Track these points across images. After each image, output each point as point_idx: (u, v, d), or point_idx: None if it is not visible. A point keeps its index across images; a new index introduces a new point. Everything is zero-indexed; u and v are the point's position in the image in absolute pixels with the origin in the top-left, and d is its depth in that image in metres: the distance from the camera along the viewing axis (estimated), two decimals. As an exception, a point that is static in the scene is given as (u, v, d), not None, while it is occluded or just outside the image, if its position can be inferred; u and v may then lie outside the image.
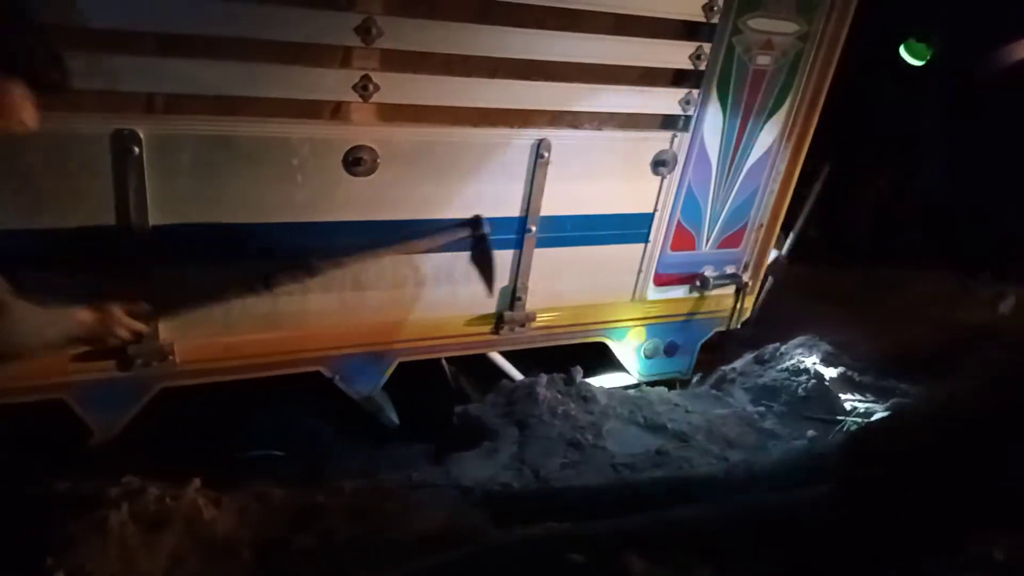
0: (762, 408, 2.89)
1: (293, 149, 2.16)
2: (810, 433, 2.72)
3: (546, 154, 2.48)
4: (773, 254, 3.38)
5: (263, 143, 2.13)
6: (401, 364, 2.64)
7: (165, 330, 2.24)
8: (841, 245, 4.68)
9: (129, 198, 2.03)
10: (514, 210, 2.56)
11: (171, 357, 2.27)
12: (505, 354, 2.96)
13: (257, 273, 2.18)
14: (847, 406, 2.92)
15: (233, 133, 2.10)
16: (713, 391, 3.08)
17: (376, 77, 2.13)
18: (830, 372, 3.12)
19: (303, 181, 2.19)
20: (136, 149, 1.99)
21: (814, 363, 3.17)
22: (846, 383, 3.10)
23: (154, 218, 2.10)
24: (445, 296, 2.59)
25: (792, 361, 3.27)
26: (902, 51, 3.60)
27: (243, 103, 2.07)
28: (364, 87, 2.13)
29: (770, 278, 3.54)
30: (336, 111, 2.16)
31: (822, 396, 2.96)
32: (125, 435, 2.32)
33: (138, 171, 2.01)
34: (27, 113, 1.51)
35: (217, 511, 2.02)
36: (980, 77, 3.33)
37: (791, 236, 3.57)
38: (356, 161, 2.21)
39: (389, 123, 2.23)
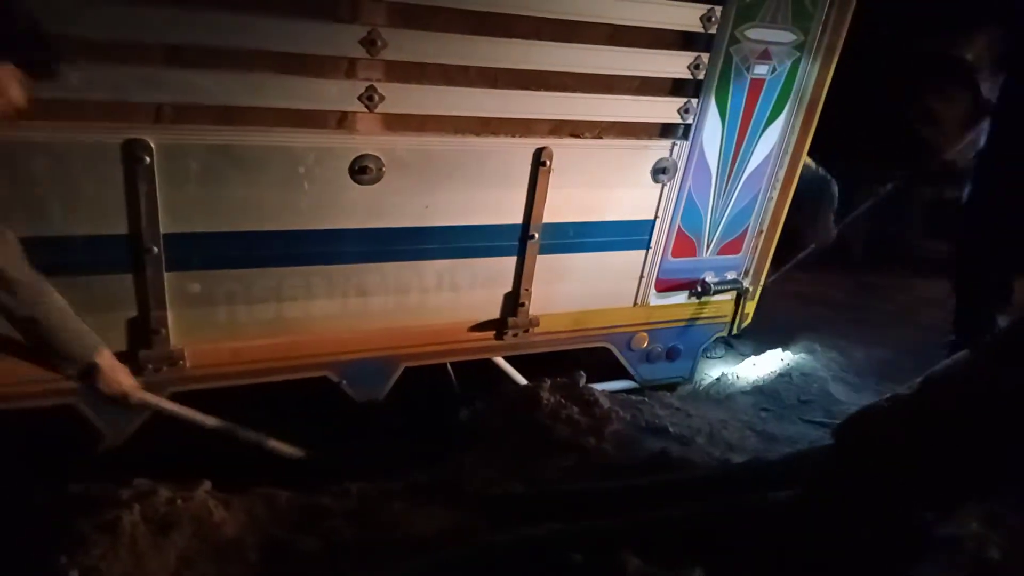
0: (763, 412, 2.91)
1: (300, 158, 2.21)
2: (811, 437, 2.75)
3: (547, 162, 2.52)
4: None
5: (271, 152, 2.18)
6: (407, 368, 2.68)
7: (175, 336, 2.29)
8: (837, 251, 4.72)
9: (141, 207, 2.09)
10: (516, 217, 2.60)
11: (182, 362, 2.32)
12: (509, 359, 3.01)
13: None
14: (846, 409, 2.94)
15: (242, 142, 2.15)
16: (715, 395, 3.11)
17: (381, 87, 2.18)
18: (829, 376, 3.15)
19: (310, 189, 2.24)
20: (147, 159, 2.04)
21: (814, 367, 3.20)
22: (845, 386, 3.13)
23: (165, 226, 2.15)
24: (449, 302, 2.64)
25: (792, 366, 3.30)
26: None
27: (252, 113, 2.13)
28: (369, 97, 2.18)
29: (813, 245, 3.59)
30: (342, 121, 2.21)
31: (822, 400, 2.99)
32: (135, 438, 2.36)
33: (149, 180, 2.07)
34: (15, 92, 1.58)
35: (226, 513, 2.06)
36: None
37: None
38: (362, 169, 2.26)
39: (394, 132, 2.28)
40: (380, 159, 2.28)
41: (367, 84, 2.17)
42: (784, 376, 3.21)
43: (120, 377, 2.06)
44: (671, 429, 2.63)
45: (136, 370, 2.25)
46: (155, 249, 2.16)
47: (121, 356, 2.22)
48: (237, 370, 2.40)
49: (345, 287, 2.44)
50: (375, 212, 2.35)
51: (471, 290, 2.66)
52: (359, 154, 2.25)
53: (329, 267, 2.39)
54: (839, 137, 3.89)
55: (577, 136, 2.56)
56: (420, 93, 2.25)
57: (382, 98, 2.19)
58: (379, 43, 2.12)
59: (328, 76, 2.14)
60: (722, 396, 3.14)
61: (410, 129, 2.30)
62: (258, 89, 2.10)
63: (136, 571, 1.74)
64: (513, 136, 2.46)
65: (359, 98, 2.18)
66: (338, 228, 2.33)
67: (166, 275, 2.21)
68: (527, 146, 2.49)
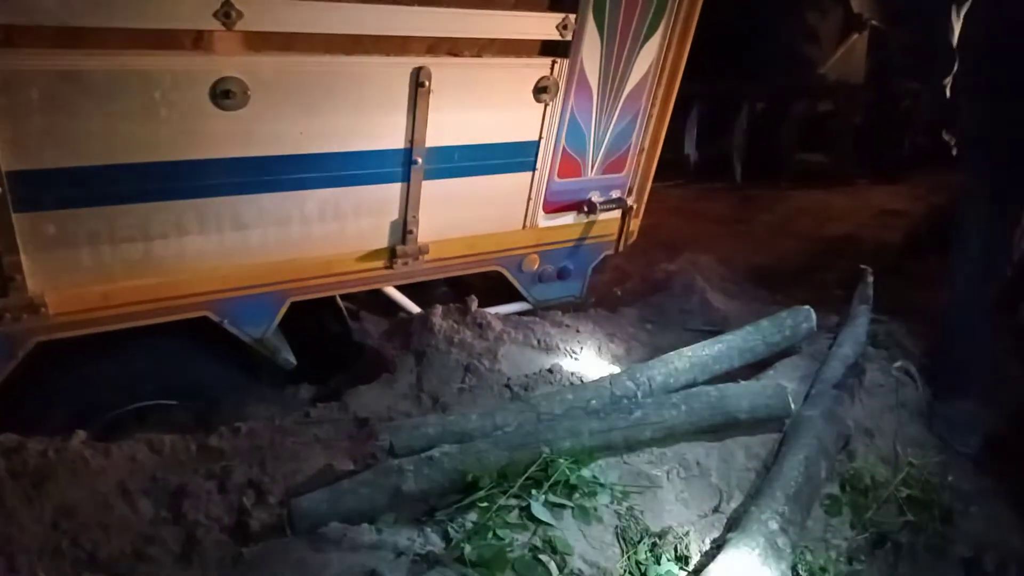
0: (648, 325, 3.04)
1: (154, 82, 2.04)
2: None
3: (426, 82, 2.44)
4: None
5: (122, 76, 2.00)
6: (295, 304, 2.61)
7: (34, 281, 2.13)
8: (720, 168, 4.90)
9: (-27, 142, 1.89)
10: (398, 142, 2.53)
11: (43, 309, 2.16)
12: (403, 289, 2.98)
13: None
14: (724, 316, 3.12)
15: (89, 67, 1.96)
16: (604, 312, 3.21)
17: (238, 3, 2.02)
18: (709, 287, 3.30)
19: (167, 117, 2.08)
20: (-24, 87, 1.84)
21: (696, 279, 3.34)
22: (724, 295, 3.30)
23: (7, 163, 1.96)
24: (333, 232, 2.56)
25: (677, 279, 3.44)
26: None
27: (97, 34, 1.93)
28: (226, 14, 2.02)
29: None
30: (198, 40, 2.05)
31: (702, 309, 3.14)
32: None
33: (-19, 111, 1.87)
34: None
35: (106, 460, 1.99)
36: None
37: None
38: (224, 93, 2.11)
39: (257, 52, 2.13)
40: (244, 82, 2.13)
41: (222, 0, 2.02)
42: (669, 290, 3.34)
43: None
44: (561, 346, 2.71)
45: (-9, 320, 2.09)
46: (-2, 189, 1.97)
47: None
48: (107, 315, 2.26)
49: (219, 221, 2.31)
50: (244, 140, 2.22)
51: (356, 219, 2.59)
52: (219, 77, 2.10)
53: (199, 200, 2.25)
54: (717, 55, 3.98)
55: (456, 55, 2.49)
56: (282, 8, 2.10)
57: (240, 15, 2.03)
58: (233, -47, 1.97)
59: (177, -9, 1.97)
60: (611, 312, 3.23)
61: (274, 48, 2.15)
62: (102, 8, 1.90)
63: (7, 527, 1.66)
64: (388, 55, 2.36)
65: (215, 15, 2.01)
66: (204, 158, 2.18)
67: (15, 217, 2.03)
68: (404, 65, 2.40)
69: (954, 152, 2.93)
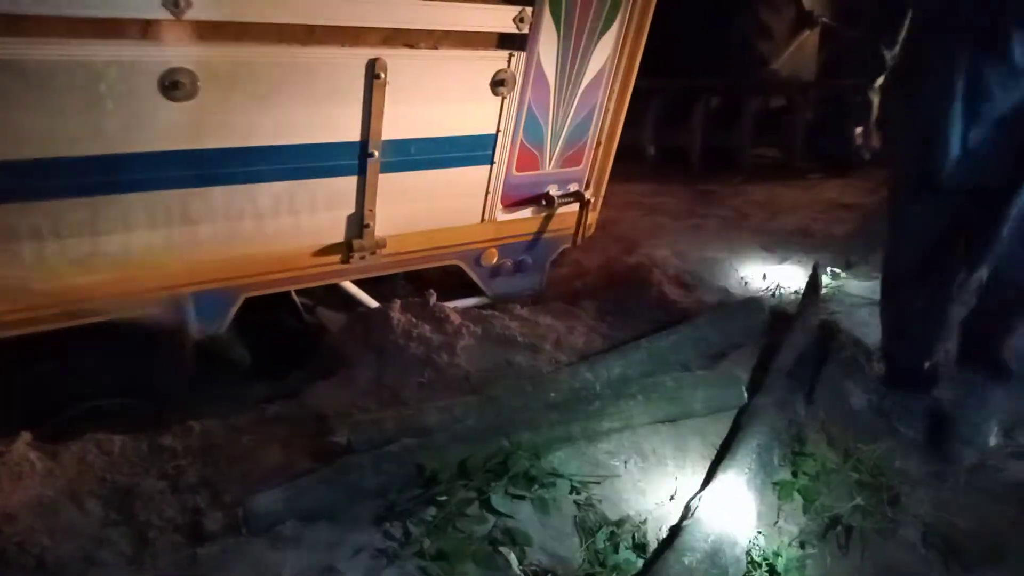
0: (607, 317, 3.06)
1: (100, 73, 1.98)
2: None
3: (382, 74, 2.42)
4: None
5: (66, 67, 1.94)
6: (250, 300, 2.57)
7: (-28, 279, 2.05)
8: (676, 162, 4.96)
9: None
10: (353, 134, 2.50)
11: (-16, 308, 2.09)
12: (360, 284, 2.95)
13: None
14: (680, 308, 3.16)
15: (30, 57, 1.90)
16: (563, 305, 3.22)
17: (187, -9, 1.99)
18: (667, 280, 3.35)
19: (115, 108, 2.03)
20: (-92, 76, 1.77)
21: (653, 272, 3.38)
22: (680, 287, 3.35)
23: (-57, 156, 1.89)
24: (288, 226, 2.52)
25: (634, 273, 3.47)
26: None
27: (39, 22, 1.87)
28: (175, 2, 1.97)
29: None
30: (146, 30, 2.00)
31: (659, 302, 3.18)
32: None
33: (-86, 102, 1.80)
34: None
35: (53, 463, 1.93)
36: None
37: None
38: (174, 84, 2.06)
39: (207, 42, 2.09)
40: (194, 73, 2.09)
41: (171, -13, 1.97)
42: (627, 282, 3.37)
43: None
44: (521, 339, 2.71)
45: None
46: (-67, 182, 1.90)
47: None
48: (52, 313, 2.20)
49: (169, 215, 2.26)
50: (194, 132, 2.17)
51: (311, 213, 2.56)
52: (169, 67, 2.05)
53: (148, 194, 2.20)
54: (674, 50, 4.03)
55: (412, 47, 2.47)
56: (233, -2, 2.07)
57: (189, 3, 1.99)
58: (181, -62, 1.92)
59: (123, -22, 1.92)
60: (571, 305, 3.25)
61: (226, 38, 2.11)
62: (41, -6, 1.85)
63: (-53, 535, 1.60)
64: (343, 46, 2.33)
65: (163, 3, 1.97)
66: (153, 151, 2.13)
67: (-48, 211, 1.96)
68: (359, 57, 2.37)
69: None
